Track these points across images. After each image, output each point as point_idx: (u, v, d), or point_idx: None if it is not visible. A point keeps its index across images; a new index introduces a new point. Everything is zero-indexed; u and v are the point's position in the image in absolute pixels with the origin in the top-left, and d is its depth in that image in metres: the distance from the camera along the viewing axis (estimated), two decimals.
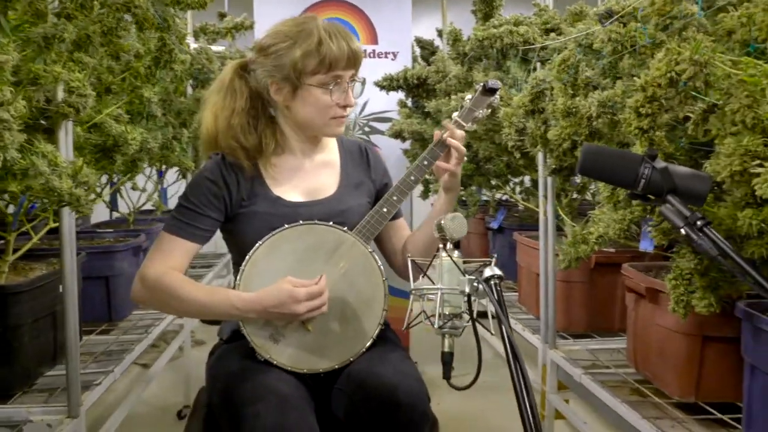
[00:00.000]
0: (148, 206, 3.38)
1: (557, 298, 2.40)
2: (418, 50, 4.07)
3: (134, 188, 2.84)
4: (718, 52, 1.16)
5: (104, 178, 2.84)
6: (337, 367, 1.34)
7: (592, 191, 2.69)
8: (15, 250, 2.14)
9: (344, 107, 1.41)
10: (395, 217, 1.54)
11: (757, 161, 1.05)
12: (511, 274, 3.26)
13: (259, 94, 1.44)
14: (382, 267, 1.37)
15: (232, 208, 1.42)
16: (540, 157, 2.20)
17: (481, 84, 1.47)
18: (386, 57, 3.61)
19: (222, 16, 3.77)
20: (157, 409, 3.27)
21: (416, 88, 2.98)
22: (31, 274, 2.13)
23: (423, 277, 1.06)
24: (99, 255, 2.54)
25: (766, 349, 1.36)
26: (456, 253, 1.07)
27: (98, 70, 1.86)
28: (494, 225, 3.46)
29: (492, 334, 1.00)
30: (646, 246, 1.88)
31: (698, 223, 1.01)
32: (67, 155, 1.62)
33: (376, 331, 1.36)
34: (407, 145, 3.36)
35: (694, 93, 1.09)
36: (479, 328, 1.05)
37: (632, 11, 1.30)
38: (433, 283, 1.06)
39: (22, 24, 1.40)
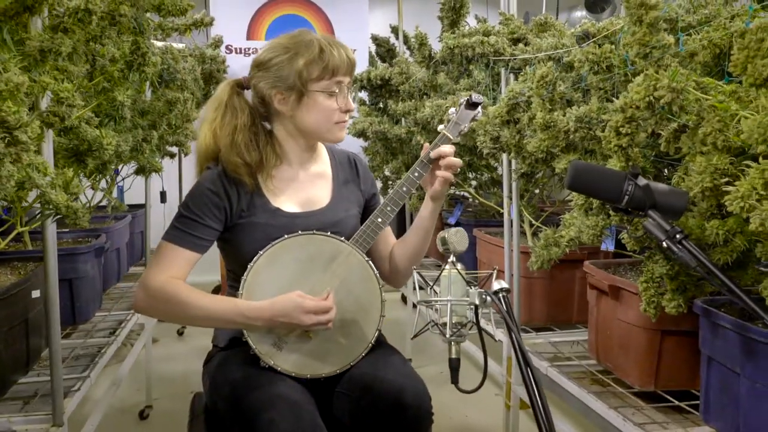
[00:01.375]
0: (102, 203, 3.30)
1: (520, 294, 2.52)
2: (374, 48, 4.11)
3: (94, 188, 2.77)
4: (689, 77, 1.28)
5: None
6: (338, 371, 1.39)
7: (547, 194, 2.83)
8: None
9: (346, 112, 1.47)
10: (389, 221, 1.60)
11: (726, 178, 1.17)
12: (468, 268, 3.38)
13: (257, 109, 1.49)
14: (378, 275, 1.43)
15: (232, 218, 1.45)
16: (505, 160, 2.30)
17: (465, 98, 1.54)
18: None
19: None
20: (117, 410, 3.22)
21: (379, 89, 3.03)
22: (2, 279, 2.07)
23: (430, 288, 1.13)
24: (62, 258, 2.47)
25: (722, 343, 1.51)
26: (459, 265, 1.14)
27: (79, 74, 1.82)
28: (452, 220, 3.56)
29: (496, 341, 1.09)
30: (606, 245, 2.02)
31: (678, 236, 1.13)
32: (49, 164, 1.59)
33: (375, 336, 1.42)
34: (366, 143, 3.41)
35: (669, 116, 1.20)
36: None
37: (607, 34, 1.40)
38: (437, 295, 1.13)
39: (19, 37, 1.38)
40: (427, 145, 1.53)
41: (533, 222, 2.43)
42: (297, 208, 1.50)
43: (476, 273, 1.12)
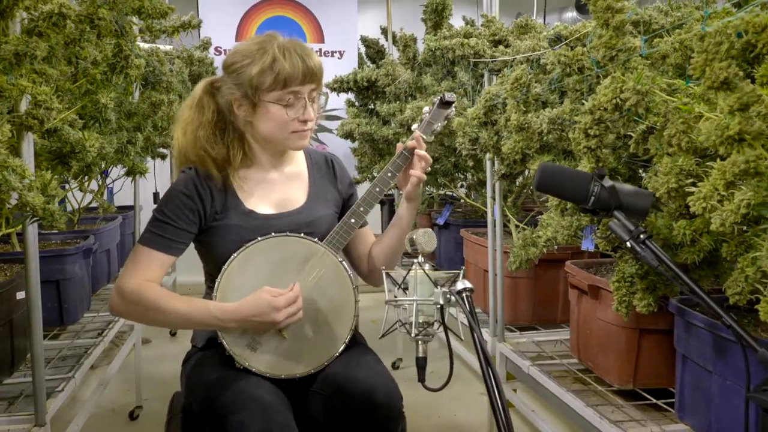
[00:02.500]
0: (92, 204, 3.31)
1: (504, 294, 2.54)
2: (363, 49, 4.13)
3: (82, 189, 2.79)
4: (656, 80, 1.29)
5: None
6: (313, 371, 1.41)
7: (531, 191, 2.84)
8: None
9: (304, 122, 1.46)
10: (361, 225, 1.62)
11: (691, 179, 1.19)
12: (456, 269, 3.39)
13: (227, 109, 1.49)
14: (352, 275, 1.45)
15: (206, 221, 1.46)
16: (488, 161, 2.32)
17: (438, 97, 1.55)
18: (333, 56, 3.66)
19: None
20: (108, 411, 3.23)
21: (366, 90, 3.05)
22: None
23: (398, 288, 1.15)
24: (49, 259, 2.49)
25: (696, 341, 1.53)
26: (427, 266, 1.16)
27: (58, 77, 1.84)
28: (440, 221, 3.58)
29: (461, 339, 1.10)
30: (587, 245, 2.04)
31: (641, 236, 1.14)
32: (29, 166, 1.61)
33: (349, 336, 1.43)
34: (355, 144, 3.43)
35: (635, 118, 1.22)
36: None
37: (579, 37, 1.41)
38: (406, 294, 1.15)
39: None
40: (400, 144, 1.55)
41: (517, 223, 2.45)
42: (271, 210, 1.51)
43: (444, 273, 1.14)
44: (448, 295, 1.05)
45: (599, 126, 1.26)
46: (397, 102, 2.68)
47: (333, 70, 3.51)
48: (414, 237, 1.18)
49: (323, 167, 1.64)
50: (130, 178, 2.98)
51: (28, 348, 2.19)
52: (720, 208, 1.05)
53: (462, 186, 3.71)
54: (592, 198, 1.19)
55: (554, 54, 1.43)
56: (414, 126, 1.58)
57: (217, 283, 1.38)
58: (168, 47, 2.90)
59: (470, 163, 2.03)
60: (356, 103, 3.52)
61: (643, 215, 1.20)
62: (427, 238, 1.17)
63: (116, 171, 3.30)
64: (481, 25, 2.17)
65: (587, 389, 1.98)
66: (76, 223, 3.15)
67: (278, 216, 1.50)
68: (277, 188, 1.54)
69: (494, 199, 2.39)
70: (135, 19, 1.87)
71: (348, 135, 3.08)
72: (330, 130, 3.61)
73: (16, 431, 1.71)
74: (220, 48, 3.48)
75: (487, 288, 2.60)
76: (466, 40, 1.95)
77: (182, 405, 1.48)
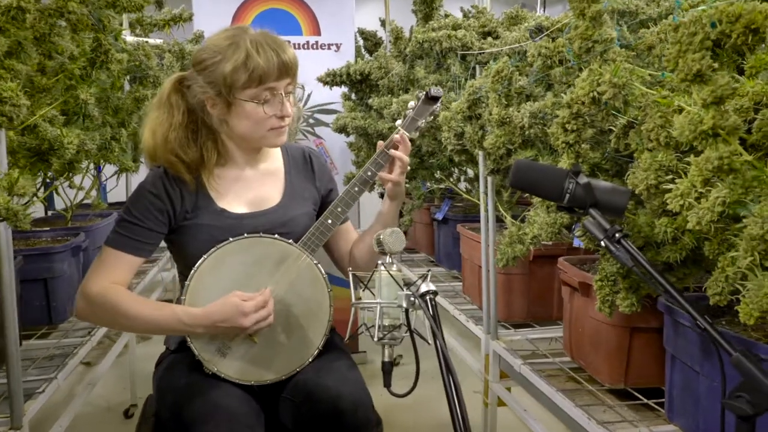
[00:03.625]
0: (86, 200, 3.30)
1: (498, 290, 2.49)
2: (361, 41, 4.08)
3: (71, 186, 2.77)
4: (636, 70, 1.24)
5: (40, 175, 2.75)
6: (284, 377, 1.37)
7: None
8: None
9: (281, 118, 1.40)
10: (342, 222, 1.57)
11: (671, 176, 1.13)
12: (455, 264, 3.35)
13: (198, 107, 1.43)
14: (326, 278, 1.41)
15: (175, 220, 1.42)
16: (480, 156, 2.27)
17: (424, 92, 1.50)
18: (329, 48, 3.61)
19: (159, 4, 3.67)
20: (103, 409, 3.23)
21: (359, 84, 3.00)
22: None
23: (364, 290, 1.11)
24: (37, 257, 2.47)
25: (684, 341, 1.48)
26: (394, 267, 1.11)
27: (30, 73, 1.80)
28: (439, 216, 3.53)
29: (429, 344, 1.06)
30: (579, 242, 1.98)
31: (616, 235, 1.09)
32: (0, 165, 1.58)
33: (322, 341, 1.39)
34: (352, 137, 3.38)
35: (614, 112, 1.17)
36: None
37: (561, 28, 1.36)
38: (374, 295, 1.11)
39: None
40: (381, 142, 1.50)
41: (511, 220, 2.40)
42: (245, 208, 1.47)
43: (413, 274, 1.09)
44: (412, 298, 1.01)
45: (577, 120, 1.21)
46: (389, 95, 2.64)
47: (329, 62, 3.46)
48: (381, 237, 1.14)
49: (300, 163, 1.59)
50: (123, 175, 2.96)
51: (7, 346, 2.18)
52: (697, 206, 0.99)
53: (461, 180, 3.66)
54: (567, 195, 1.14)
55: (535, 46, 1.37)
56: (398, 122, 1.53)
57: (186, 285, 1.35)
58: (158, 41, 2.86)
59: (456, 159, 1.98)
60: (353, 97, 3.48)
61: (620, 213, 1.15)
62: (394, 238, 1.13)
63: (110, 168, 3.29)
64: (471, 16, 2.11)
65: (579, 389, 1.93)
66: (69, 220, 3.14)
67: (252, 215, 1.46)
68: (251, 186, 1.49)
69: (486, 194, 2.34)
70: (113, 13, 1.83)
71: (342, 129, 3.04)
72: (327, 124, 3.56)
73: None
74: None
75: (481, 283, 2.55)
76: (453, 32, 1.90)
77: (154, 410, 1.45)
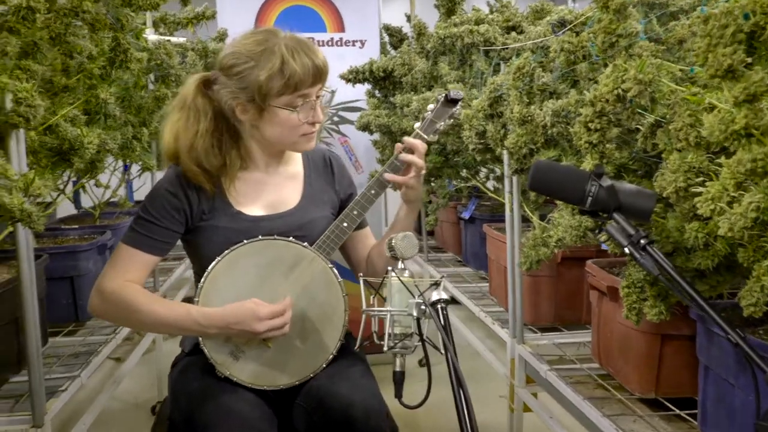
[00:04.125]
0: (113, 198, 3.33)
1: (525, 292, 2.42)
2: (387, 37, 4.03)
3: (98, 185, 2.79)
4: (664, 65, 1.17)
5: (66, 174, 2.78)
6: (297, 383, 1.34)
7: None
8: None
9: (313, 123, 1.38)
10: (360, 226, 1.54)
11: (702, 178, 1.06)
12: (482, 265, 3.29)
13: (223, 112, 1.40)
14: (341, 282, 1.37)
15: (192, 220, 1.41)
16: (505, 155, 2.20)
17: (443, 94, 1.46)
18: (354, 45, 3.57)
19: (184, 2, 3.68)
20: (131, 405, 3.26)
21: (382, 81, 2.95)
22: None
23: (375, 296, 1.07)
24: (63, 255, 2.50)
25: (719, 351, 1.40)
26: (407, 273, 1.07)
27: (51, 73, 1.81)
28: (465, 215, 3.47)
29: (441, 353, 1.01)
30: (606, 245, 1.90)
31: (641, 241, 1.03)
32: (19, 164, 1.58)
33: (336, 347, 1.36)
34: (377, 135, 3.34)
35: (639, 110, 1.10)
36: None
37: (585, 21, 1.29)
38: (385, 302, 1.06)
39: None
40: (399, 144, 1.46)
41: (537, 221, 2.32)
42: (262, 211, 1.44)
43: (426, 280, 1.05)
44: (423, 307, 0.96)
45: (601, 119, 1.15)
46: (413, 92, 2.58)
47: (353, 59, 3.42)
48: (393, 242, 1.09)
49: (320, 166, 1.56)
50: (149, 173, 2.98)
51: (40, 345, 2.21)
52: (729, 211, 0.92)
53: (489, 179, 3.59)
54: (589, 198, 1.08)
55: (557, 41, 1.31)
56: (416, 125, 1.48)
57: (199, 286, 1.33)
58: (181, 39, 2.87)
59: (479, 158, 1.92)
60: (377, 94, 3.43)
61: (645, 217, 1.09)
62: (406, 243, 1.08)
63: (137, 166, 3.31)
64: (495, 11, 2.04)
65: (607, 397, 1.86)
66: (97, 218, 3.18)
67: (268, 218, 1.43)
68: (270, 189, 1.47)
69: (512, 193, 2.27)
70: (130, 11, 1.83)
71: (365, 127, 3.00)
72: (351, 122, 3.53)
73: None
74: None
75: (508, 286, 2.48)
76: (475, 27, 1.84)
77: (169, 412, 1.43)
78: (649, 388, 1.77)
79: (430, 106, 1.49)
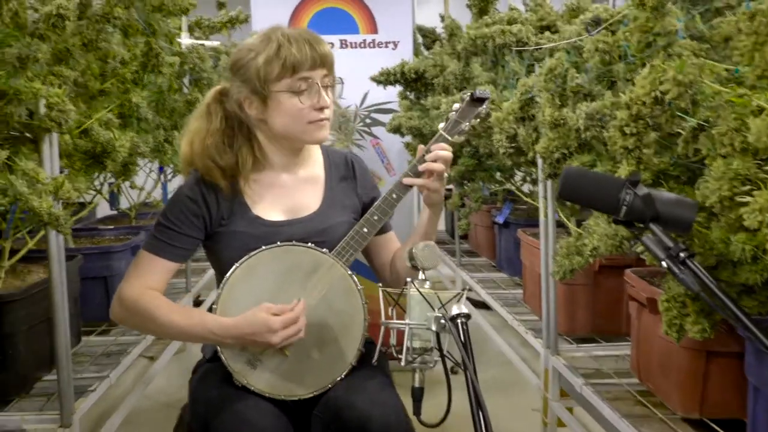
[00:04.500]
0: (148, 200, 3.38)
1: (560, 301, 2.34)
2: (421, 39, 3.98)
3: (132, 187, 2.83)
4: (709, 64, 1.10)
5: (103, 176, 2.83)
6: (315, 393, 1.31)
7: None
8: (15, 251, 2.15)
9: (320, 109, 1.35)
10: (384, 230, 1.50)
11: (747, 186, 0.99)
12: (517, 271, 3.20)
13: (235, 114, 1.40)
14: (361, 289, 1.33)
15: (211, 226, 1.40)
16: (538, 157, 2.13)
17: (469, 93, 1.41)
18: (386, 47, 3.53)
19: (221, 5, 3.71)
20: (162, 404, 3.28)
21: (414, 83, 2.91)
22: (28, 278, 2.14)
23: (394, 307, 1.03)
24: (97, 256, 2.54)
25: None
26: (427, 284, 1.02)
27: (85, 77, 1.83)
28: (500, 219, 3.39)
29: (460, 369, 0.96)
30: None
31: (681, 255, 0.96)
32: (51, 168, 1.60)
33: (355, 356, 1.32)
34: (408, 137, 3.30)
35: (679, 114, 1.03)
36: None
37: (622, 19, 1.22)
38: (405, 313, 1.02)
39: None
40: (421, 146, 1.41)
41: (573, 227, 2.24)
42: (281, 216, 1.42)
43: (448, 292, 1.00)
44: (441, 321, 0.91)
45: (637, 123, 1.08)
46: (443, 94, 2.53)
47: (386, 61, 3.39)
48: (413, 251, 1.05)
49: (342, 169, 1.52)
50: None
51: (73, 344, 2.25)
52: None
53: (526, 182, 3.50)
54: (624, 208, 1.02)
55: (591, 40, 1.24)
56: (440, 125, 1.44)
57: (217, 294, 1.31)
58: (215, 43, 2.88)
59: (509, 162, 1.86)
60: (410, 96, 3.39)
61: (686, 229, 1.01)
62: (427, 253, 1.04)
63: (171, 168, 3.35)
64: (529, 10, 1.98)
65: (647, 415, 1.76)
66: (133, 218, 3.22)
67: (288, 223, 1.41)
68: (289, 193, 1.44)
69: (546, 198, 2.20)
70: (160, 16, 1.84)
71: (397, 129, 2.96)
72: (383, 124, 3.49)
73: (41, 431, 1.73)
74: None
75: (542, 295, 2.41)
76: (508, 28, 1.78)
77: (188, 418, 1.42)
78: (692, 407, 1.67)
79: (455, 106, 1.45)
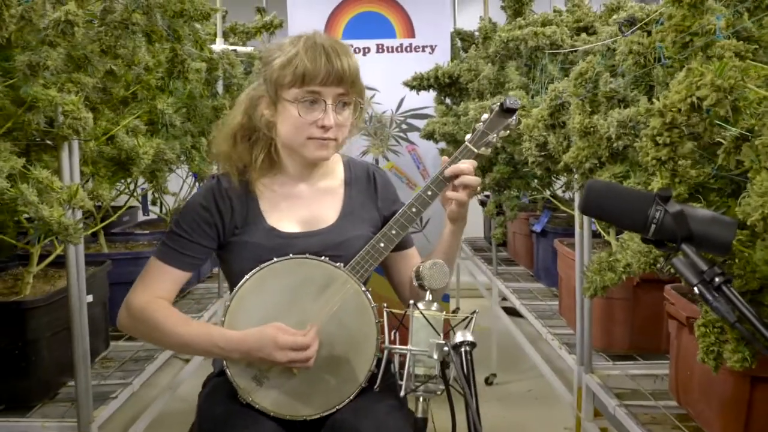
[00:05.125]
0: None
1: (597, 316, 2.22)
2: (459, 43, 3.90)
3: (165, 192, 2.85)
4: (754, 66, 0.99)
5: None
6: (321, 414, 1.25)
7: None
8: (46, 255, 2.18)
9: (323, 128, 1.29)
10: (404, 246, 1.43)
11: None
12: (554, 281, 3.09)
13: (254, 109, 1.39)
14: (375, 307, 1.27)
15: (224, 235, 1.36)
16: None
17: (498, 103, 1.33)
18: (424, 51, 3.47)
19: (260, 11, 3.71)
20: (193, 405, 3.29)
21: (448, 87, 2.83)
22: (59, 282, 2.15)
23: (395, 331, 0.96)
24: (126, 261, 2.56)
25: None
26: (434, 306, 0.95)
27: (108, 83, 1.83)
28: (537, 228, 3.28)
29: (464, 395, 0.89)
30: None
31: (716, 279, 0.86)
32: (71, 174, 1.60)
33: (366, 377, 1.26)
34: (443, 143, 3.22)
35: (718, 122, 0.93)
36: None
37: (658, 17, 1.13)
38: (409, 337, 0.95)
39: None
40: (445, 158, 1.34)
41: (611, 239, 2.12)
42: (297, 227, 1.37)
43: (452, 315, 0.93)
44: (445, 348, 0.84)
45: (672, 132, 0.98)
46: (478, 99, 2.45)
47: (423, 65, 3.32)
48: (420, 269, 0.98)
49: (363, 181, 1.47)
50: None
51: (101, 349, 2.26)
52: None
53: (567, 189, 3.37)
54: (653, 226, 0.92)
55: (625, 42, 1.15)
56: (467, 137, 1.36)
57: (226, 306, 1.27)
58: (248, 49, 2.87)
59: (538, 172, 1.76)
60: (447, 101, 3.31)
61: (723, 250, 0.91)
62: (434, 272, 0.97)
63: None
64: (566, 10, 1.88)
65: None
66: (168, 223, 3.25)
67: (303, 235, 1.36)
68: (306, 204, 1.40)
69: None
70: (217, 17, 1.82)
71: (430, 135, 2.88)
72: (419, 129, 3.43)
73: None
74: None
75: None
76: (541, 30, 1.69)
77: None
78: None
79: (484, 116, 1.37)
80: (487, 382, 3.68)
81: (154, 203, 3.44)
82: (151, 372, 2.23)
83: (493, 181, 2.75)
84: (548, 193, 2.95)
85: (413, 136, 3.52)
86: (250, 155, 1.37)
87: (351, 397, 1.26)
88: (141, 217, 3.75)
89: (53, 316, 1.92)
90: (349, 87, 1.30)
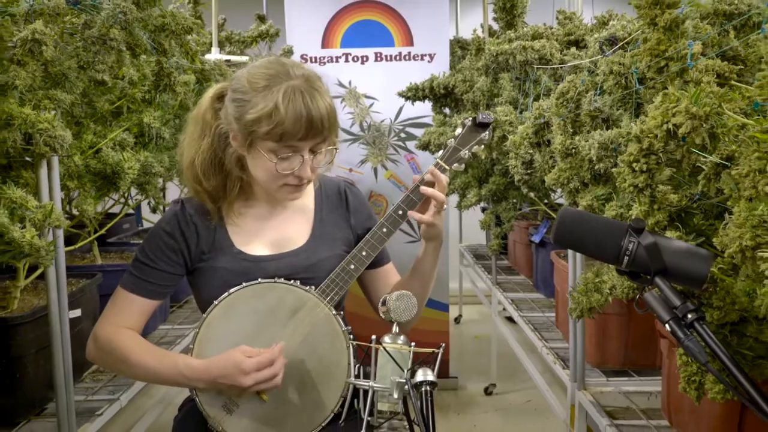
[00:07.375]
0: None
1: (591, 331, 2.19)
2: (459, 51, 3.87)
3: (159, 202, 2.83)
4: (736, 90, 0.96)
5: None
6: None
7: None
8: (35, 268, 2.17)
9: (299, 178, 1.24)
10: (380, 263, 1.40)
11: None
12: (553, 292, 3.05)
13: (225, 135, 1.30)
14: (345, 331, 1.24)
15: (192, 261, 1.32)
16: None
17: (470, 118, 1.30)
18: (422, 59, 3.44)
19: (261, 18, 3.69)
20: None
21: (443, 98, 2.80)
22: (47, 296, 2.14)
23: (358, 366, 0.93)
24: (117, 273, 2.54)
25: None
26: (401, 339, 0.92)
27: (89, 99, 1.81)
28: (536, 239, 3.24)
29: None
30: None
31: (688, 316, 0.83)
32: (51, 191, 1.58)
33: (337, 404, 1.23)
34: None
35: (694, 150, 0.89)
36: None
37: (638, 38, 1.09)
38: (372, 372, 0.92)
39: None
40: (416, 176, 1.31)
41: None
42: (266, 250, 1.33)
43: (420, 350, 0.90)
44: (406, 387, 0.81)
45: (648, 158, 0.95)
46: (473, 110, 2.41)
47: (421, 74, 3.30)
48: (387, 301, 0.95)
49: (335, 199, 1.43)
50: None
51: (88, 365, 2.24)
52: None
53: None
54: (626, 258, 0.89)
55: (606, 62, 1.12)
56: (438, 153, 1.33)
57: (194, 333, 1.24)
58: (244, 58, 2.85)
59: (524, 190, 1.73)
60: (446, 110, 3.28)
61: (698, 283, 0.88)
62: (400, 305, 0.93)
63: None
64: (557, 23, 1.85)
65: None
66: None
67: (272, 258, 1.32)
68: (275, 226, 1.36)
69: None
70: (213, 26, 1.80)
71: (425, 146, 2.85)
72: (418, 138, 3.40)
73: None
74: (306, 55, 3.39)
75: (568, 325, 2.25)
76: (530, 43, 1.65)
77: None
78: None
79: (457, 131, 1.34)
80: (487, 392, 3.65)
81: (154, 211, 3.43)
82: (140, 388, 2.21)
83: (489, 192, 2.71)
84: (545, 203, 2.91)
85: (412, 145, 3.49)
86: (224, 189, 1.30)
87: (323, 425, 1.23)
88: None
89: (39, 332, 1.90)
90: (327, 133, 1.23)
